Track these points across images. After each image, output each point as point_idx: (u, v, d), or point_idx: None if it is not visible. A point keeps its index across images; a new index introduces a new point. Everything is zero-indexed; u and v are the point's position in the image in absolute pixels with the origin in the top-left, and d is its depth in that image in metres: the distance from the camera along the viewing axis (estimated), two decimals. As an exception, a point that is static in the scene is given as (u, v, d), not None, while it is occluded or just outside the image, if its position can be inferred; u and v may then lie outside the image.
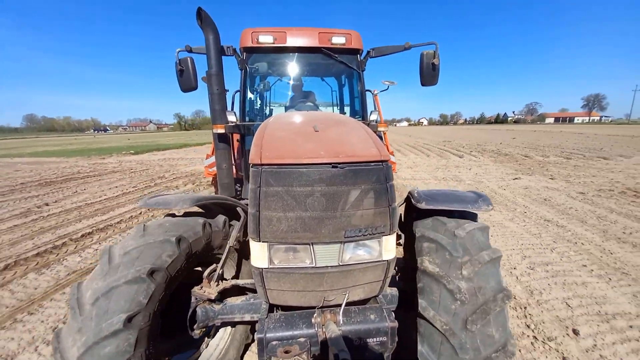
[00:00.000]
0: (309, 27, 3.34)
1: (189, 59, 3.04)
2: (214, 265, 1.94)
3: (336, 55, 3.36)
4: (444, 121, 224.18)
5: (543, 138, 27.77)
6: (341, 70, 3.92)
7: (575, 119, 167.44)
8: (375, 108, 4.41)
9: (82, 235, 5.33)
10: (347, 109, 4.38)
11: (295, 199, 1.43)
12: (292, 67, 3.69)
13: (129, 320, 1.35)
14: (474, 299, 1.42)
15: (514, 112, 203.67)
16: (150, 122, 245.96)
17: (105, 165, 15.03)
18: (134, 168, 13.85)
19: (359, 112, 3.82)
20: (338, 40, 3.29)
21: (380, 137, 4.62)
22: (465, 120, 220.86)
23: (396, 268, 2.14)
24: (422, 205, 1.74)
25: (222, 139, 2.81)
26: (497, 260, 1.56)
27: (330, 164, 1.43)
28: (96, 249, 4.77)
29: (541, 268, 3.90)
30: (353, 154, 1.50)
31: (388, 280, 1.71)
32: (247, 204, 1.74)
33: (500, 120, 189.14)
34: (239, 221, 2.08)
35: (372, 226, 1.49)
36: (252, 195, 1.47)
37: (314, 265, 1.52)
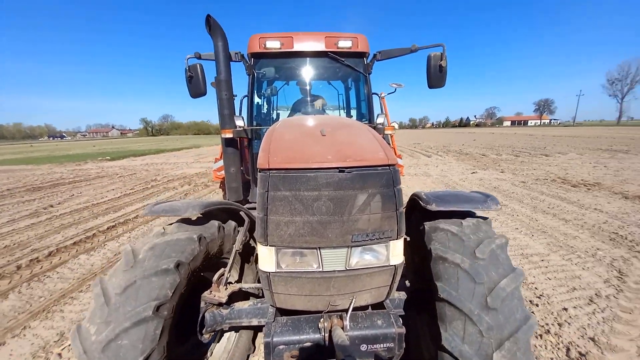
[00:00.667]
0: (315, 31, 3.38)
1: (198, 65, 3.12)
2: (222, 269, 1.96)
3: (343, 59, 3.39)
4: (413, 125, 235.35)
5: (499, 140, 31.00)
6: (348, 74, 3.93)
7: (529, 122, 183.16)
8: (382, 111, 4.52)
9: (108, 228, 6.00)
10: (353, 112, 4.43)
11: (302, 203, 1.45)
12: (299, 72, 3.74)
13: (157, 309, 1.42)
14: (490, 280, 1.49)
15: (475, 116, 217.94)
16: (113, 127, 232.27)
17: (86, 172, 14.98)
18: (119, 173, 14.03)
19: (366, 115, 3.87)
20: (345, 44, 3.32)
21: (388, 140, 4.62)
22: (432, 124, 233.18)
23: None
24: (433, 207, 1.74)
25: (230, 143, 2.84)
26: (505, 245, 1.67)
27: (337, 168, 1.45)
28: (129, 237, 5.50)
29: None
30: (360, 158, 1.51)
31: (395, 285, 1.72)
32: (253, 208, 1.82)
33: (463, 123, 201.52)
34: (243, 226, 2.11)
35: (379, 231, 1.50)
36: (260, 200, 1.50)
37: (321, 269, 1.54)
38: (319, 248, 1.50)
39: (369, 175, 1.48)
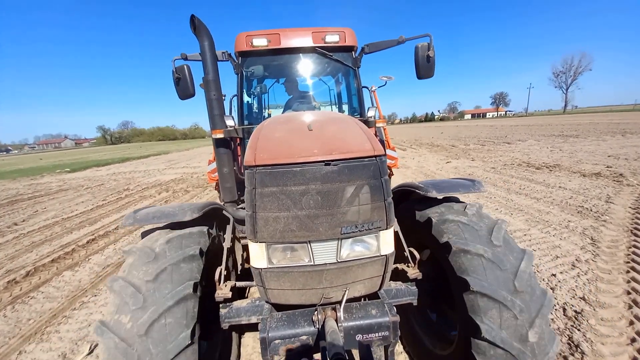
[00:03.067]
0: (302, 27, 3.37)
1: (185, 66, 3.06)
2: (219, 268, 1.96)
3: (331, 54, 3.38)
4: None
5: (464, 131, 32.88)
6: (337, 68, 3.89)
7: (487, 114, 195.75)
8: (373, 104, 4.52)
9: (88, 242, 5.61)
10: (345, 107, 4.38)
11: (290, 198, 1.46)
12: (288, 68, 3.73)
13: (194, 288, 1.51)
14: (512, 265, 1.59)
15: (439, 111, 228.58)
16: (66, 137, 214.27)
17: (46, 185, 13.77)
18: (85, 185, 13.07)
19: (357, 109, 3.86)
20: (332, 39, 3.32)
21: (381, 133, 4.78)
22: (400, 120, 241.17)
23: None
24: (433, 194, 1.85)
25: (222, 143, 2.83)
26: (506, 227, 1.81)
27: (323, 161, 1.45)
28: (114, 249, 5.19)
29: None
30: (347, 150, 1.51)
31: (388, 275, 1.73)
32: (244, 208, 1.85)
33: (429, 118, 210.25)
34: (229, 224, 2.24)
35: (368, 221, 1.52)
36: (248, 197, 1.51)
37: (312, 263, 1.55)
38: (309, 242, 1.51)
39: (356, 167, 1.49)
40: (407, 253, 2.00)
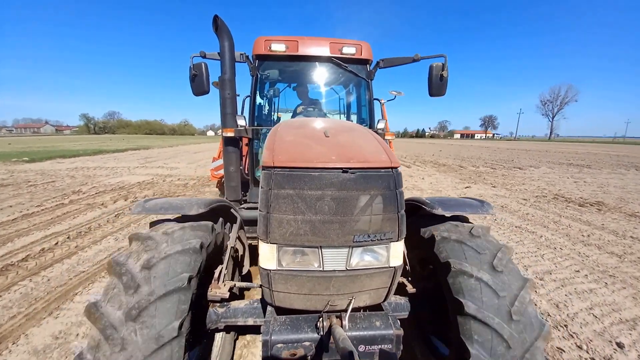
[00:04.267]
0: (320, 36, 3.40)
1: (203, 64, 3.02)
2: (220, 266, 1.96)
3: (346, 65, 3.40)
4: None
5: (462, 151, 31.88)
6: (350, 79, 3.89)
7: (476, 135, 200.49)
8: (382, 117, 4.42)
9: (-41, 285, 3.53)
10: (353, 117, 4.40)
11: (305, 202, 1.44)
12: (303, 75, 3.81)
13: (189, 281, 1.46)
14: (511, 293, 1.56)
15: (430, 128, 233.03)
16: (46, 123, 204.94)
17: (-16, 177, 11.34)
18: (32, 180, 10.73)
19: (366, 120, 3.83)
20: (349, 51, 3.35)
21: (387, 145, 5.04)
22: (392, 134, 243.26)
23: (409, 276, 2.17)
24: (439, 211, 1.83)
25: (231, 142, 2.82)
26: (511, 254, 1.78)
27: (341, 168, 1.45)
28: (9, 298, 3.15)
29: (549, 277, 3.94)
30: (364, 160, 1.52)
31: (394, 287, 1.71)
32: (251, 208, 2.23)
33: (419, 134, 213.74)
34: (236, 223, 2.25)
35: (380, 232, 1.50)
36: (263, 197, 1.48)
37: (321, 268, 1.52)
38: (321, 247, 1.49)
39: (372, 177, 1.49)
40: (408, 267, 2.02)
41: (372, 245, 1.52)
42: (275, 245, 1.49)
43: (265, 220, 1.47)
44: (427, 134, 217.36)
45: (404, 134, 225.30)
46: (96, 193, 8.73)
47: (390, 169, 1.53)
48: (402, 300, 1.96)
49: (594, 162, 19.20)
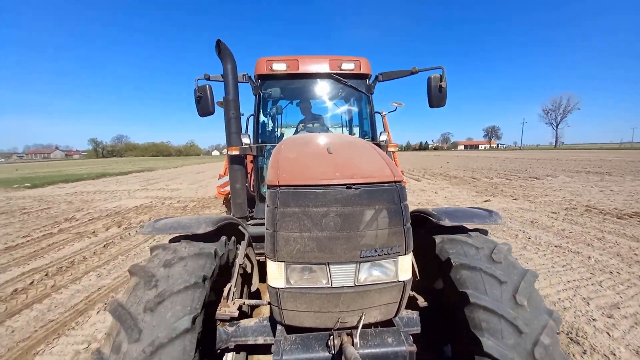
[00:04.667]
0: (320, 54, 3.47)
1: (207, 86, 3.08)
2: (229, 284, 1.94)
3: (346, 81, 3.47)
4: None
5: (470, 162, 31.11)
6: (351, 94, 3.95)
7: (480, 146, 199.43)
8: (384, 129, 4.41)
9: None
10: (356, 130, 4.42)
11: (311, 219, 1.44)
12: (304, 92, 3.89)
13: (203, 280, 1.54)
14: (512, 278, 1.58)
15: (433, 140, 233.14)
16: (57, 148, 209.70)
17: (-20, 205, 10.94)
18: (28, 207, 10.29)
19: (369, 133, 3.86)
20: (348, 67, 3.42)
21: (390, 158, 4.92)
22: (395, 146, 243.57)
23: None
24: (447, 223, 1.77)
25: (236, 160, 2.87)
26: (510, 250, 1.81)
27: (345, 185, 1.46)
28: None
29: (618, 313, 3.19)
30: (367, 175, 1.53)
31: (405, 302, 1.67)
32: (258, 224, 2.75)
33: (423, 147, 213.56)
34: (244, 240, 2.27)
35: (387, 246, 1.49)
36: (269, 216, 1.48)
37: (330, 285, 1.50)
38: (328, 264, 1.48)
39: (376, 191, 1.49)
40: (418, 279, 1.93)
41: (380, 260, 1.51)
42: (283, 263, 1.49)
43: (272, 238, 1.47)
44: (430, 146, 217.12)
45: (407, 147, 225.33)
46: (89, 220, 8.19)
47: (393, 183, 1.54)
48: (414, 314, 1.91)
49: (612, 169, 18.28)
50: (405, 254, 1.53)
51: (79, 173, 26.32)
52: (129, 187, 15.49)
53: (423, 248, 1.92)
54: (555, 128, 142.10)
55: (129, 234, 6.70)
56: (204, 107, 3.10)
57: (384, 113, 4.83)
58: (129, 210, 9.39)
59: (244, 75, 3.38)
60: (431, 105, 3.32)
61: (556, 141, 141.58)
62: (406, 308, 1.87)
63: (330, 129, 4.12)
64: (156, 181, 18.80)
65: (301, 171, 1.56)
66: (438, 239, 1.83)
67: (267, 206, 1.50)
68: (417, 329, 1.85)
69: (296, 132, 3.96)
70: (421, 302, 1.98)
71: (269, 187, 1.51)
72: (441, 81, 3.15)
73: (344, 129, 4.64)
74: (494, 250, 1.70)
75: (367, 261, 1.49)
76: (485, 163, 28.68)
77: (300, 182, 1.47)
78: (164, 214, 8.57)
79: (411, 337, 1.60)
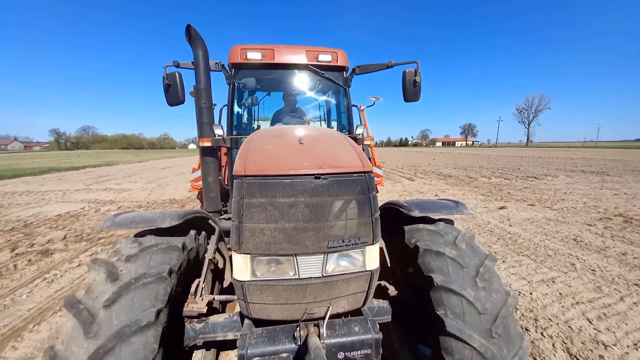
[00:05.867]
0: (296, 45, 3.44)
1: (176, 73, 2.98)
2: (197, 280, 1.87)
3: (323, 72, 3.47)
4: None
5: (457, 159, 30.22)
6: (328, 86, 3.91)
7: (457, 143, 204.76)
8: (361, 122, 4.30)
9: None
10: (334, 124, 4.36)
11: (278, 210, 1.41)
12: (280, 83, 3.89)
13: (169, 274, 1.51)
14: (473, 264, 1.66)
15: (412, 136, 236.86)
16: (15, 139, 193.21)
17: None
18: None
19: (346, 127, 3.85)
20: (325, 58, 3.41)
21: (367, 151, 4.82)
22: (376, 143, 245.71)
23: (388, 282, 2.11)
24: (416, 214, 1.80)
25: (208, 152, 2.80)
26: (473, 237, 1.86)
27: (313, 175, 1.43)
28: None
29: None
30: (336, 165, 1.50)
31: (372, 291, 1.67)
32: (227, 219, 2.53)
33: (403, 143, 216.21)
34: (214, 234, 2.18)
35: (355, 236, 1.48)
36: (235, 207, 1.45)
37: (297, 276, 1.48)
38: (295, 255, 1.46)
39: (345, 181, 1.47)
40: (389, 267, 2.01)
41: (348, 250, 1.50)
42: (248, 255, 1.45)
43: (237, 230, 1.43)
44: (410, 142, 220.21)
45: (388, 143, 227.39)
46: (-24, 238, 5.81)
47: (363, 173, 1.52)
48: (384, 304, 1.90)
49: (605, 169, 17.65)
50: (372, 244, 1.53)
51: (19, 168, 22.62)
52: (70, 187, 12.77)
53: (394, 239, 1.98)
54: (527, 127, 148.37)
55: (17, 266, 4.48)
56: (174, 96, 2.99)
57: (362, 107, 4.87)
58: (46, 221, 7.02)
59: (216, 63, 3.31)
60: (406, 99, 3.34)
61: (528, 139, 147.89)
62: (377, 297, 1.93)
63: (307, 122, 4.05)
64: (109, 178, 16.05)
65: (269, 161, 1.53)
66: (407, 228, 1.88)
67: (234, 197, 1.45)
68: (387, 318, 1.85)
69: (273, 124, 3.93)
70: (391, 291, 1.98)
71: (236, 177, 1.47)
72: (415, 75, 3.18)
73: (323, 122, 4.57)
74: (458, 237, 1.76)
75: (335, 252, 1.48)
76: (472, 160, 27.86)
77: (268, 172, 1.44)
78: (88, 229, 6.32)
79: (377, 325, 1.61)
